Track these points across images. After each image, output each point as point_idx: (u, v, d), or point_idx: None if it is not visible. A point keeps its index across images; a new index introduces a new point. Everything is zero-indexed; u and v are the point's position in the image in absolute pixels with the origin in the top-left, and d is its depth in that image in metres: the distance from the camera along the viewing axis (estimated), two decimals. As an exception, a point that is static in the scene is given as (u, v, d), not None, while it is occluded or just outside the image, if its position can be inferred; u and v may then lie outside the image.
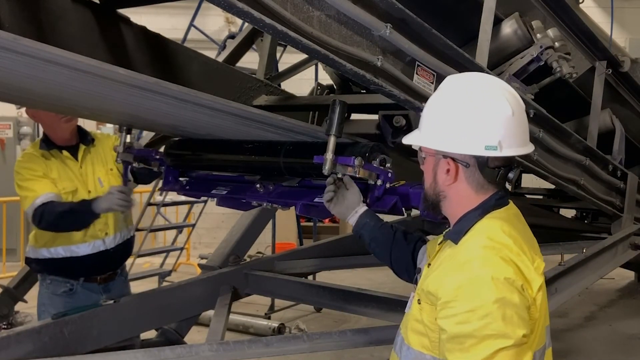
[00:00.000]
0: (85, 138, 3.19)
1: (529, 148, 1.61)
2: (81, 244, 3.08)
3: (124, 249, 3.28)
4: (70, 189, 3.05)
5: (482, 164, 1.54)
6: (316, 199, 2.35)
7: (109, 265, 3.22)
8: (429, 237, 1.98)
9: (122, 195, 2.87)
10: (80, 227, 3.00)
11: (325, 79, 4.30)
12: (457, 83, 1.63)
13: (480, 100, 1.53)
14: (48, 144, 3.10)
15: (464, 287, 1.41)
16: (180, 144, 2.93)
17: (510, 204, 1.64)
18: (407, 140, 1.68)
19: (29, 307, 3.83)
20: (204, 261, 4.00)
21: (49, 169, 3.04)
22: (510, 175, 1.59)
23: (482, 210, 1.58)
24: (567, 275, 3.44)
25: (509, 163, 1.58)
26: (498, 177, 1.56)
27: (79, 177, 3.09)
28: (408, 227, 4.61)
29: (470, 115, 1.52)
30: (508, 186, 1.62)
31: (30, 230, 8.40)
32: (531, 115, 3.08)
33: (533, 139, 3.12)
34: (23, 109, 8.60)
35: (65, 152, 3.10)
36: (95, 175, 3.14)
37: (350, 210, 2.07)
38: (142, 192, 8.09)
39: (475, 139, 1.51)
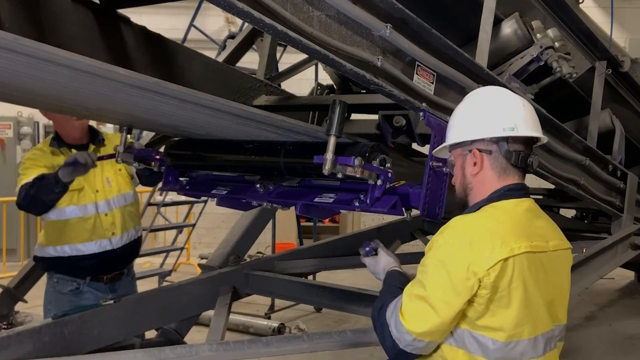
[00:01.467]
0: (95, 138, 3.22)
1: (543, 135, 1.83)
2: (88, 243, 3.10)
3: (131, 249, 3.29)
4: (77, 187, 3.07)
5: (503, 147, 1.76)
6: (316, 199, 2.35)
7: (115, 265, 3.23)
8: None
9: (81, 155, 2.85)
10: (46, 195, 2.93)
11: (325, 79, 4.30)
12: (475, 93, 1.93)
13: (495, 96, 1.86)
14: (59, 142, 3.13)
15: (430, 244, 1.71)
16: (180, 144, 2.93)
17: (522, 200, 1.78)
18: (438, 149, 1.98)
19: (29, 307, 3.83)
20: (204, 261, 4.00)
21: (56, 166, 3.05)
22: (530, 159, 1.79)
23: (488, 200, 1.77)
24: (567, 275, 3.44)
25: (527, 149, 1.80)
26: (520, 160, 1.77)
27: (86, 177, 3.11)
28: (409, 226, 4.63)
29: (487, 107, 1.81)
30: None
31: (30, 229, 8.36)
32: (531, 115, 3.08)
33: (533, 139, 3.13)
34: (23, 109, 8.67)
35: (74, 151, 3.12)
36: (104, 175, 3.17)
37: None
38: (142, 192, 8.08)
39: (494, 123, 1.77)
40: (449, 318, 1.62)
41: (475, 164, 1.79)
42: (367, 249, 2.10)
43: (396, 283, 1.90)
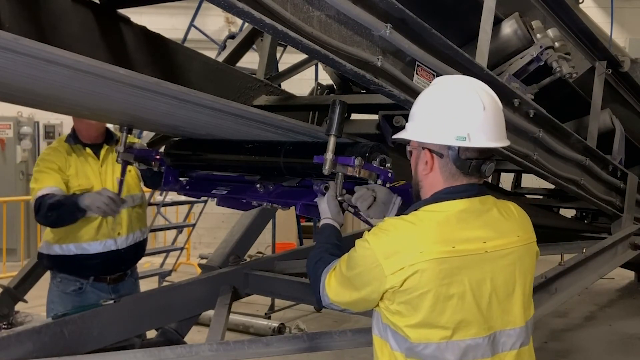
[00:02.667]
0: (110, 139, 3.25)
1: (502, 143, 1.74)
2: (93, 242, 3.11)
3: (136, 250, 3.30)
4: (87, 186, 3.09)
5: (454, 154, 1.70)
6: (316, 199, 2.35)
7: (119, 265, 3.24)
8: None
9: (108, 200, 2.86)
10: (68, 220, 2.99)
11: (325, 79, 4.30)
12: (440, 83, 1.83)
13: (453, 95, 1.72)
14: (74, 139, 3.17)
15: (365, 234, 1.73)
16: (180, 144, 2.94)
17: (460, 201, 1.70)
18: (395, 136, 1.85)
19: (29, 307, 3.83)
20: (204, 261, 4.00)
21: (67, 165, 3.09)
22: (483, 167, 1.72)
23: (425, 202, 1.74)
24: (567, 275, 3.44)
25: (483, 156, 1.72)
26: (470, 168, 1.70)
27: (97, 176, 3.14)
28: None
29: (444, 109, 1.70)
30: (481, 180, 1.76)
31: (30, 229, 8.34)
32: (531, 115, 3.08)
33: (533, 139, 3.13)
34: (23, 109, 8.66)
35: (88, 150, 3.17)
36: (115, 175, 3.18)
37: (389, 204, 2.11)
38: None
39: (447, 130, 1.68)
40: (358, 299, 1.74)
41: (426, 163, 1.73)
42: (319, 187, 2.15)
43: (332, 239, 2.00)
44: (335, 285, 1.80)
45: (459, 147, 1.68)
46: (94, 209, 2.88)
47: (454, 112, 1.68)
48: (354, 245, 1.75)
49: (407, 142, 1.83)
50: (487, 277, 1.67)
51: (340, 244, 1.98)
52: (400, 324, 1.65)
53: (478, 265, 1.66)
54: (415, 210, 1.73)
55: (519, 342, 1.73)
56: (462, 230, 1.67)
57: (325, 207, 2.10)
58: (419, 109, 1.77)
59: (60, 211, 2.94)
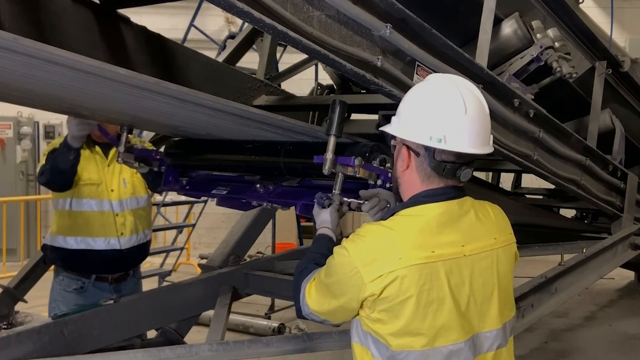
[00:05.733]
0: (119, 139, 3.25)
1: (482, 150, 1.69)
2: (97, 238, 3.14)
3: (138, 251, 3.32)
4: (96, 181, 3.15)
5: (430, 155, 1.66)
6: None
7: (121, 265, 3.26)
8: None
9: (77, 122, 2.90)
10: (65, 165, 2.98)
11: (325, 79, 4.30)
12: (430, 80, 1.79)
13: (437, 95, 1.68)
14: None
15: (343, 241, 1.73)
16: (180, 144, 2.94)
17: (438, 204, 1.67)
18: (381, 128, 1.83)
19: (29, 307, 3.83)
20: (204, 261, 4.00)
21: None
22: (458, 172, 1.67)
23: (403, 206, 1.72)
24: (567, 275, 3.44)
25: (460, 160, 1.67)
26: (444, 171, 1.66)
27: (102, 175, 3.17)
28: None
29: (425, 108, 1.67)
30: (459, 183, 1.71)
31: (30, 229, 8.36)
32: (531, 115, 3.08)
33: (533, 139, 3.13)
34: (23, 109, 8.66)
35: (97, 148, 3.20)
36: (121, 175, 3.22)
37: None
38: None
39: (424, 129, 1.65)
40: (337, 308, 1.71)
41: (404, 160, 1.72)
42: (322, 201, 2.09)
43: (322, 249, 1.96)
44: (315, 294, 1.77)
45: (435, 149, 1.65)
46: (75, 136, 2.91)
47: (434, 111, 1.65)
48: None
49: (394, 136, 1.80)
50: (465, 281, 1.66)
51: (330, 254, 1.91)
52: (382, 331, 1.63)
53: (457, 269, 1.65)
54: (393, 214, 1.71)
55: (495, 344, 1.72)
56: (440, 234, 1.65)
57: (327, 218, 2.05)
58: (405, 104, 1.74)
59: (54, 157, 2.97)
